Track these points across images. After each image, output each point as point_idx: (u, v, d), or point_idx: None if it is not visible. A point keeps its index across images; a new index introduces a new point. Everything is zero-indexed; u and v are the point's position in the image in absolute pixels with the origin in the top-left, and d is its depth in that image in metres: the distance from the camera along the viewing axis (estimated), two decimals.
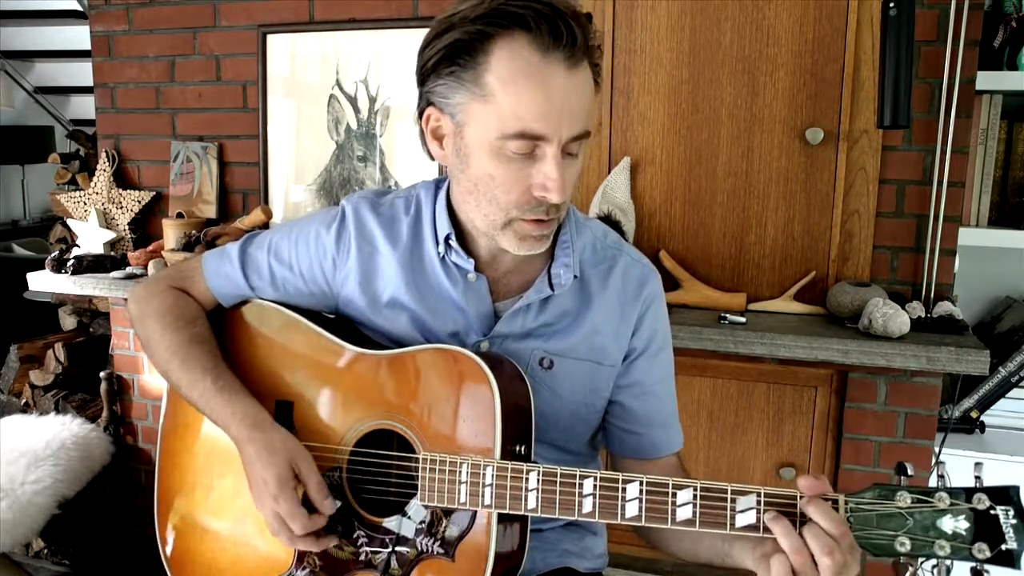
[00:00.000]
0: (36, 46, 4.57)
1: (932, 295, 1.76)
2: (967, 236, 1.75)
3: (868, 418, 1.82)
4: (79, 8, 3.69)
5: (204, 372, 1.05)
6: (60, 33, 4.37)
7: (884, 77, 1.57)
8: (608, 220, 1.83)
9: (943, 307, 1.70)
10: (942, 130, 1.70)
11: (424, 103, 0.96)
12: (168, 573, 1.14)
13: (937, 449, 1.78)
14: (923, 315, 1.68)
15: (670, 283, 1.87)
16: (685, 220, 1.91)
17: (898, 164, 1.77)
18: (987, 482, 0.80)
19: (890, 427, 1.81)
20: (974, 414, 1.89)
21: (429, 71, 0.93)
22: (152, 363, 1.13)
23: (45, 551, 2.48)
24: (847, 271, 1.81)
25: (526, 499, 0.91)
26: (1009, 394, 1.88)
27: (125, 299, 2.18)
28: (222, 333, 1.13)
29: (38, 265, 2.27)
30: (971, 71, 1.68)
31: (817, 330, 1.67)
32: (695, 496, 0.85)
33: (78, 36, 3.96)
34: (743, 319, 1.73)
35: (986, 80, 1.71)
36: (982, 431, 1.90)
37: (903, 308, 1.64)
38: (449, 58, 0.90)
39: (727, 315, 1.75)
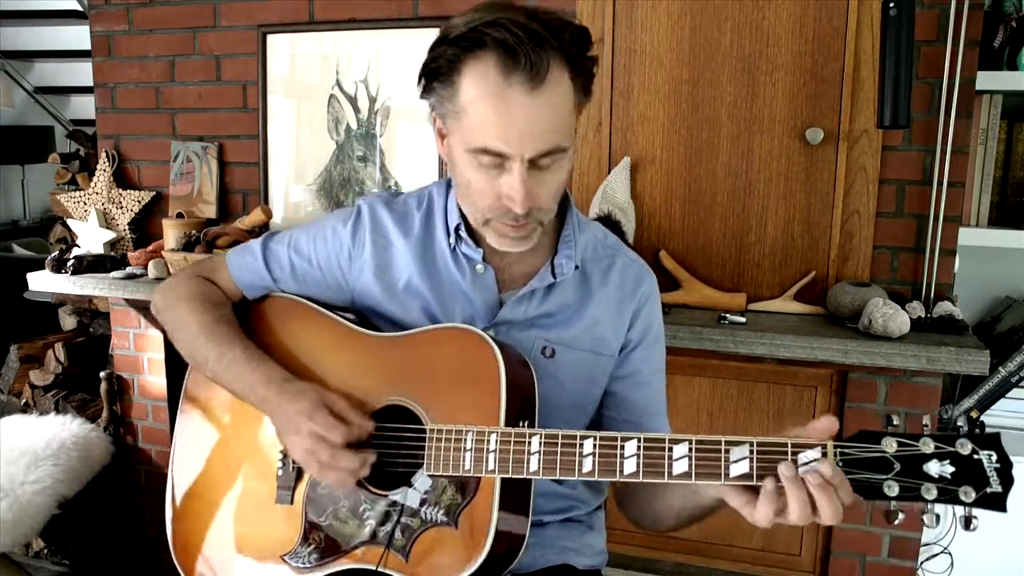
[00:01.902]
0: (36, 46, 4.57)
1: (932, 295, 1.76)
2: (967, 236, 1.75)
3: (868, 418, 1.82)
4: (79, 8, 3.69)
5: (232, 344, 1.10)
6: (60, 33, 4.37)
7: (884, 77, 1.57)
8: (608, 220, 1.82)
9: (943, 307, 1.70)
10: (942, 130, 1.70)
11: (430, 107, 1.04)
12: (172, 553, 1.15)
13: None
14: (923, 315, 1.68)
15: (670, 283, 1.87)
16: (685, 220, 1.91)
17: (898, 164, 1.77)
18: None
19: None
20: (974, 414, 1.89)
21: (424, 83, 1.00)
22: (179, 347, 1.17)
23: (45, 551, 2.48)
24: (847, 271, 1.81)
25: (528, 462, 0.93)
26: (1009, 394, 1.88)
27: (127, 299, 2.18)
28: (245, 325, 1.18)
29: (38, 265, 2.26)
30: (971, 71, 1.68)
31: (817, 330, 1.67)
32: (691, 449, 0.87)
33: (78, 36, 3.96)
34: (743, 319, 1.73)
35: (986, 80, 1.71)
36: (982, 431, 1.90)
37: (903, 308, 1.64)
38: (432, 76, 0.98)
39: (727, 315, 1.75)
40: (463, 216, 1.10)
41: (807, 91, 1.78)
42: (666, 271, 1.87)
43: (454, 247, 1.10)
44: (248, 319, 1.19)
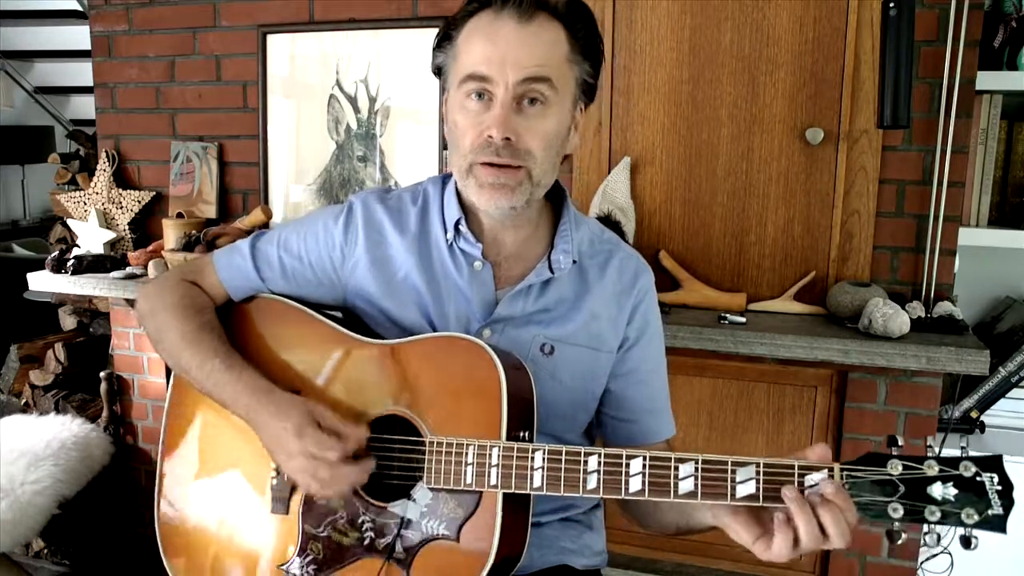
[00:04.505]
0: (36, 46, 4.57)
1: (932, 295, 1.76)
2: (967, 236, 1.75)
3: (868, 418, 1.82)
4: (79, 8, 3.69)
5: (214, 353, 1.08)
6: (60, 33, 4.36)
7: (884, 77, 1.57)
8: (608, 220, 1.82)
9: (943, 307, 1.70)
10: (942, 130, 1.70)
11: (435, 71, 1.10)
12: (166, 564, 1.14)
13: (937, 449, 1.78)
14: (923, 315, 1.68)
15: (670, 283, 1.87)
16: (685, 220, 1.91)
17: (898, 164, 1.77)
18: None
19: (890, 427, 1.81)
20: (974, 414, 1.89)
21: (437, 44, 1.06)
22: (162, 355, 1.15)
23: (45, 551, 2.48)
24: (847, 271, 1.81)
25: (531, 478, 0.93)
26: (1009, 394, 1.88)
27: (127, 300, 2.18)
28: (230, 328, 1.15)
29: (38, 265, 2.27)
30: (971, 71, 1.68)
31: (817, 330, 1.67)
32: (697, 469, 0.87)
33: (78, 36, 3.96)
34: (743, 319, 1.73)
35: (986, 80, 1.71)
36: (982, 431, 1.90)
37: (903, 308, 1.64)
38: (443, 40, 1.05)
39: (727, 315, 1.75)
40: (464, 211, 1.09)
41: (807, 91, 1.78)
42: (666, 271, 1.87)
43: (451, 243, 1.09)
44: (234, 322, 1.16)
